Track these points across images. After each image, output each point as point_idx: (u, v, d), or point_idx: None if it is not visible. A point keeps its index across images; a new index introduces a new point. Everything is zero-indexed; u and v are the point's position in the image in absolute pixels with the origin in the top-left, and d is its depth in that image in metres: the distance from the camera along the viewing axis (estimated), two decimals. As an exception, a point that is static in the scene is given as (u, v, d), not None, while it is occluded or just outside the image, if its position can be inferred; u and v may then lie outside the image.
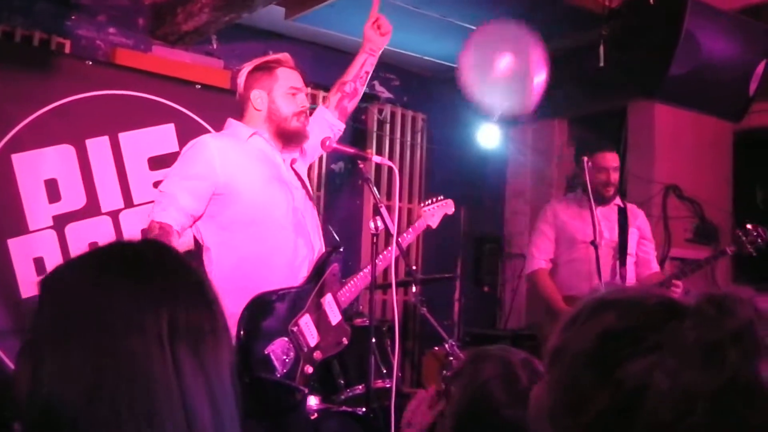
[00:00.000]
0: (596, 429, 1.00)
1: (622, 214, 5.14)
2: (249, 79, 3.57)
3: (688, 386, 0.94)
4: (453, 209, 4.34)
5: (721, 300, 1.00)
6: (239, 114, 3.61)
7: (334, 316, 3.51)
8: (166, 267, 1.16)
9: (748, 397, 0.93)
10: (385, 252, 3.69)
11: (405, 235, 4.05)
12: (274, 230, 3.42)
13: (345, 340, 3.54)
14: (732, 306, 0.99)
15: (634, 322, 1.03)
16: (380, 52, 3.92)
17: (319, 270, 3.52)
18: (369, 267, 3.53)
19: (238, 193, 3.34)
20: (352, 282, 3.65)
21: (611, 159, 5.05)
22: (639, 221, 5.20)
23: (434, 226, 4.23)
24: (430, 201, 4.30)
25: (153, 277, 1.12)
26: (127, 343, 1.04)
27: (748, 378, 0.94)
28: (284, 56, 3.63)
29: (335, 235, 3.86)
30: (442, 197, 4.32)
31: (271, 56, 3.66)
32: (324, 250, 3.61)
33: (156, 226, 3.21)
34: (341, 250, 3.70)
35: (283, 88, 3.54)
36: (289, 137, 3.55)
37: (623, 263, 5.01)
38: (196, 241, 3.50)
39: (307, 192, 3.65)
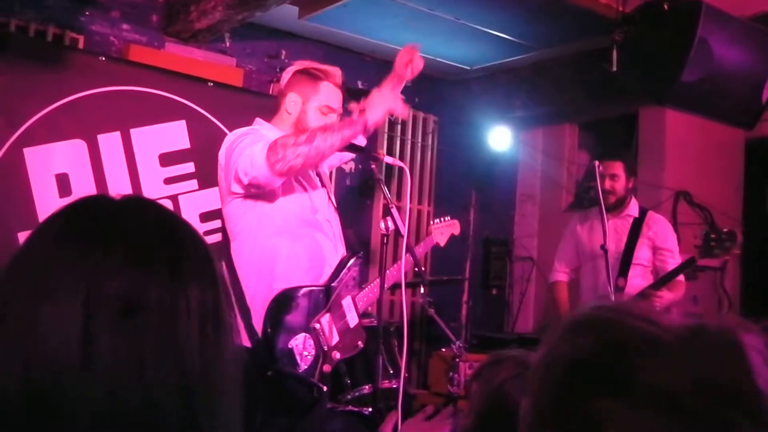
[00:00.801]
0: None
1: (636, 224, 5.09)
2: (292, 79, 3.55)
3: None
4: (459, 230, 4.45)
5: (705, 341, 0.93)
6: (274, 110, 3.61)
7: (353, 319, 3.56)
8: (122, 228, 1.02)
9: None
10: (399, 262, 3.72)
11: (415, 249, 4.06)
12: (299, 231, 3.46)
13: (361, 344, 3.59)
14: (716, 349, 0.92)
15: (604, 355, 0.96)
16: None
17: (339, 273, 3.54)
18: (387, 272, 3.55)
19: (273, 192, 3.37)
20: (369, 287, 3.68)
21: (608, 166, 4.97)
22: (653, 231, 5.08)
23: (442, 244, 4.31)
24: (439, 220, 4.36)
25: (88, 237, 1.00)
26: (38, 303, 0.94)
27: (716, 427, 0.88)
28: (335, 70, 3.58)
29: (357, 239, 3.90)
30: (449, 217, 4.40)
31: (323, 66, 3.60)
32: (345, 253, 3.64)
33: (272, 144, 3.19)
34: (361, 254, 3.72)
35: (318, 103, 3.51)
36: None
37: (623, 274, 4.98)
38: (223, 231, 3.54)
39: (330, 197, 3.68)
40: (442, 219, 4.36)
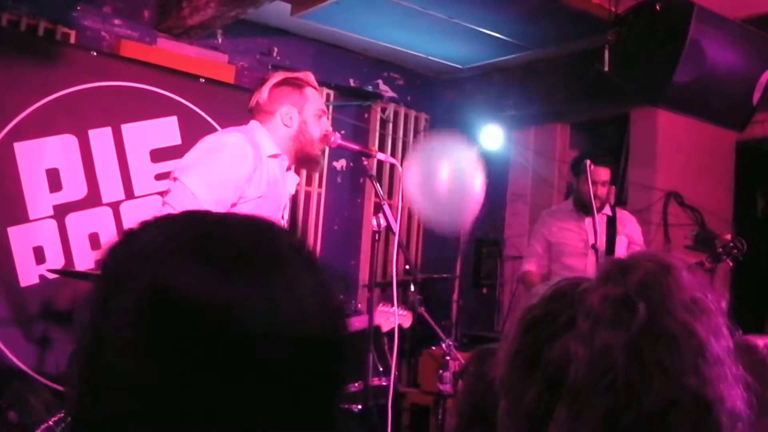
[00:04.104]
0: (533, 415, 1.01)
1: (611, 223, 5.21)
2: (276, 92, 3.40)
3: (602, 344, 0.96)
4: (409, 323, 4.30)
5: (623, 261, 1.04)
6: (257, 119, 3.43)
7: None
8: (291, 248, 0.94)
9: (664, 340, 0.96)
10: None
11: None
12: None
13: None
14: (634, 263, 1.02)
15: (551, 307, 1.05)
16: None
17: None
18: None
19: (246, 204, 3.21)
20: None
21: (599, 173, 5.02)
22: (628, 228, 5.28)
23: (384, 329, 4.13)
24: (389, 306, 4.08)
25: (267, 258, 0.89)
26: None
27: (663, 323, 0.97)
28: (308, 74, 3.50)
29: None
30: (402, 311, 4.17)
31: (298, 73, 3.50)
32: None
33: None
34: None
35: (313, 109, 3.42)
36: (306, 162, 3.48)
37: None
38: None
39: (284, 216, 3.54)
40: (393, 306, 3.95)
